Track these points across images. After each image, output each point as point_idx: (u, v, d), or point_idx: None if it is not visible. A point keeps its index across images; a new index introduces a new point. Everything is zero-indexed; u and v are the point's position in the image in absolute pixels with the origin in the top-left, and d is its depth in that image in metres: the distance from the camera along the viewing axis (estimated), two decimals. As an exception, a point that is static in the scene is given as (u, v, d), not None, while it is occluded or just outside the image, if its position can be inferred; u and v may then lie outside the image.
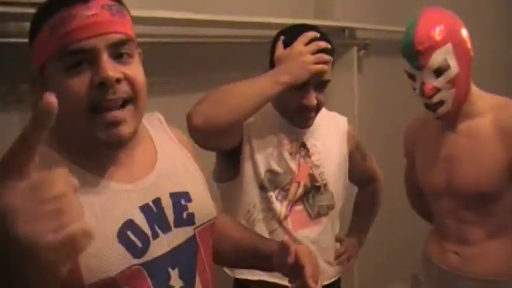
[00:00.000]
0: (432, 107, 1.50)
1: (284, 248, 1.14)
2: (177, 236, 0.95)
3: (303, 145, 1.61)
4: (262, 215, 1.57)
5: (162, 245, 0.92)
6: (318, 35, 1.50)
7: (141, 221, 0.90)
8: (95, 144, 0.89)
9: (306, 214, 1.60)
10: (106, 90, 0.85)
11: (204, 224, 1.01)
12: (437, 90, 1.47)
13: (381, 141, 2.64)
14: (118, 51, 0.88)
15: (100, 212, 0.86)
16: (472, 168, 1.50)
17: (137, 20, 1.59)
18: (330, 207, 1.63)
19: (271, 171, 1.56)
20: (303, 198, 1.59)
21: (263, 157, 1.55)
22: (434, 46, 1.44)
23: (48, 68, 0.87)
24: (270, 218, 1.57)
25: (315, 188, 1.60)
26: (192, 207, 0.99)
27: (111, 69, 0.85)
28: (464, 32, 1.49)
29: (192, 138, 1.38)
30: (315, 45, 1.46)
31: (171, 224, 0.95)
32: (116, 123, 0.87)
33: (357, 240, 1.87)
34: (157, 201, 0.94)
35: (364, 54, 2.78)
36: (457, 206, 1.55)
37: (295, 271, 1.12)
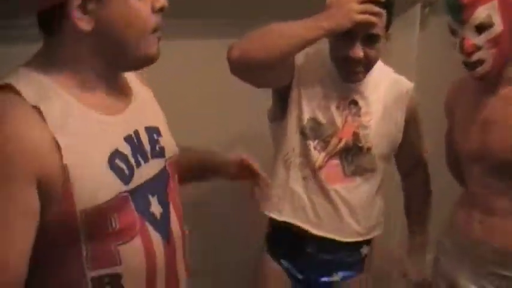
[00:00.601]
0: (471, 66, 1.45)
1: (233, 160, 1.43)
2: (154, 166, 1.04)
3: (354, 102, 1.59)
4: (299, 160, 1.61)
5: (143, 174, 1.00)
6: None
7: (126, 150, 0.98)
8: (136, 62, 1.00)
9: (341, 169, 1.60)
10: (160, 15, 0.98)
11: (171, 157, 1.11)
12: (477, 48, 1.42)
13: (441, 108, 2.55)
14: None
15: (92, 141, 0.93)
16: (505, 133, 1.46)
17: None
18: (369, 170, 1.62)
19: (314, 120, 1.58)
20: (341, 154, 1.59)
21: (309, 104, 1.57)
22: (479, 1, 1.38)
23: None
24: (305, 164, 1.61)
25: (357, 147, 1.59)
26: (162, 141, 1.08)
27: None
28: None
29: (230, 69, 1.46)
30: None
31: (149, 154, 1.04)
32: (158, 42, 1.00)
33: (420, 257, 1.80)
34: (136, 133, 1.02)
35: (429, 11, 2.65)
36: (486, 172, 1.51)
37: (243, 171, 1.45)
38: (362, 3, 1.42)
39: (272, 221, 1.68)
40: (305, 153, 1.60)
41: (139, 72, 1.12)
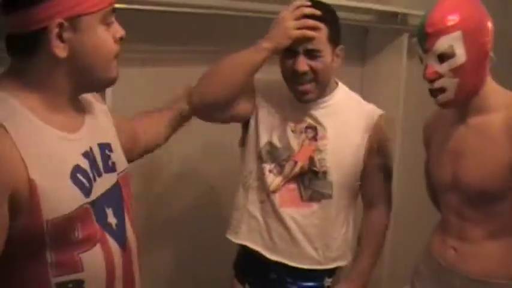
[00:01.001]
0: (434, 93, 1.47)
1: None
2: (107, 180, 1.13)
3: (312, 127, 1.60)
4: (256, 183, 1.63)
5: (99, 187, 1.09)
6: (307, 3, 1.51)
7: (85, 165, 1.06)
8: (100, 84, 1.12)
9: (298, 194, 1.60)
10: (120, 43, 1.09)
11: (122, 172, 1.19)
12: (439, 76, 1.43)
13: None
14: None
15: (55, 157, 1.00)
16: (476, 164, 1.46)
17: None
18: (325, 196, 1.60)
19: (270, 144, 1.60)
20: (298, 178, 1.60)
21: (266, 128, 1.61)
22: (442, 31, 1.40)
23: (85, 20, 1.00)
24: (261, 188, 1.62)
25: (312, 172, 1.59)
26: (113, 157, 1.16)
27: None
28: (484, 24, 1.43)
29: (196, 116, 1.54)
30: (298, 11, 1.48)
31: (102, 169, 1.12)
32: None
33: (357, 281, 1.69)
34: (91, 150, 1.10)
35: (416, 41, 2.70)
36: (460, 201, 1.52)
37: None
38: (298, 19, 1.48)
39: (238, 247, 1.70)
40: (261, 177, 1.62)
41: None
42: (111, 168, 1.14)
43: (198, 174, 2.17)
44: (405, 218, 2.77)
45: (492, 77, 1.50)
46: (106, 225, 1.08)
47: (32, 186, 0.94)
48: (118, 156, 1.18)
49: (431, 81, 1.45)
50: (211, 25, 1.98)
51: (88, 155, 1.08)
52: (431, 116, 1.72)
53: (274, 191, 1.60)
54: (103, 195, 1.09)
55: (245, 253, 1.68)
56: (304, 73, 1.51)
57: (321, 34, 1.50)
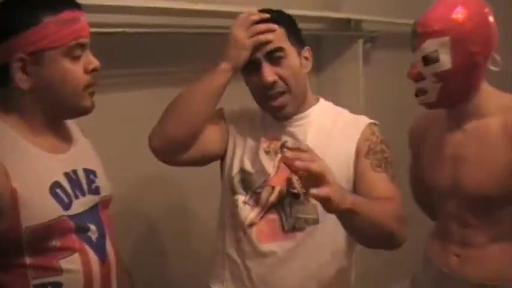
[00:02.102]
0: (416, 92, 1.46)
1: None
2: (90, 200, 1.23)
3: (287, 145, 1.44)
4: (231, 220, 1.46)
5: (82, 204, 1.20)
6: (253, 11, 1.42)
7: (65, 183, 1.17)
8: (73, 113, 1.21)
9: (279, 225, 1.39)
10: (94, 74, 1.18)
11: (105, 196, 1.29)
12: (422, 77, 1.42)
13: (387, 136, 2.59)
14: None
15: (36, 172, 1.13)
16: (477, 170, 1.44)
17: (114, 9, 1.62)
18: (310, 222, 1.39)
19: (243, 170, 1.44)
20: (278, 206, 1.40)
21: (239, 156, 1.46)
22: (430, 34, 1.38)
23: (48, 55, 1.11)
24: (236, 224, 1.44)
25: (292, 195, 1.39)
26: (97, 181, 1.27)
27: None
28: (478, 33, 1.37)
29: (161, 161, 1.43)
30: (247, 21, 1.39)
31: (86, 190, 1.23)
32: (92, 96, 1.21)
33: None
34: (75, 172, 1.21)
35: (371, 47, 2.72)
36: (461, 208, 1.49)
37: None
38: (248, 28, 1.38)
39: None
40: (234, 211, 1.43)
41: (79, 125, 1.33)
42: (94, 191, 1.25)
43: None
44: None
45: (500, 79, 1.48)
46: (86, 238, 1.18)
47: (13, 194, 1.07)
48: (102, 182, 1.28)
49: (415, 80, 1.44)
50: (186, 45, 1.92)
51: (70, 175, 1.19)
52: (418, 119, 1.68)
53: (250, 225, 1.40)
54: (85, 212, 1.20)
55: None
56: (274, 83, 1.38)
57: (278, 35, 1.40)
